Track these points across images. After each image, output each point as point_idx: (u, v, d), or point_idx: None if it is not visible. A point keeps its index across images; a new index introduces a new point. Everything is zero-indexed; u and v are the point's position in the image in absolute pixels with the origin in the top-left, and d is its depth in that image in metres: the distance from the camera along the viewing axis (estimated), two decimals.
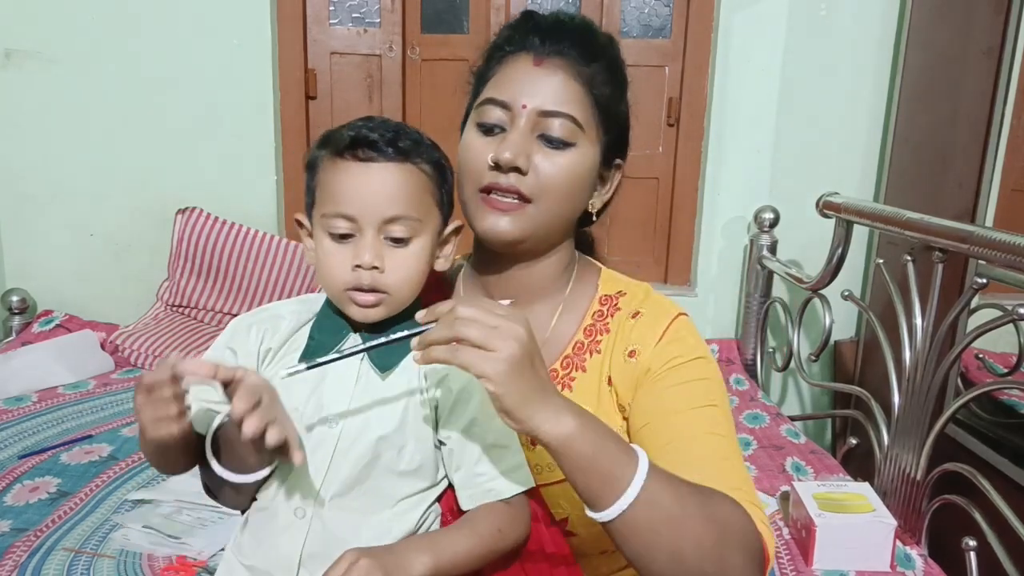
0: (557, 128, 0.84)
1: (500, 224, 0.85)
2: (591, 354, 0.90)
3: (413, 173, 0.79)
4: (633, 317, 0.89)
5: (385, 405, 0.80)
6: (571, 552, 0.87)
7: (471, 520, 0.80)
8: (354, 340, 0.82)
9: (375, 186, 0.78)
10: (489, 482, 0.80)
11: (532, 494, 0.84)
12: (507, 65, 0.87)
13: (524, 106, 0.84)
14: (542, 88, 0.84)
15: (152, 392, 0.70)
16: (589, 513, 0.71)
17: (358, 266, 0.77)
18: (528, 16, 0.90)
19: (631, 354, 0.87)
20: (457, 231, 0.86)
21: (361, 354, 0.79)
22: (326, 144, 0.81)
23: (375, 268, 0.77)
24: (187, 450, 0.79)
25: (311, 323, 0.85)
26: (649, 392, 0.86)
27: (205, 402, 0.79)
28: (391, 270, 0.79)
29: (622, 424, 0.89)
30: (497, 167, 0.83)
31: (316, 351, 0.81)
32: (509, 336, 0.67)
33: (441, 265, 0.86)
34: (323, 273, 0.81)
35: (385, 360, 0.81)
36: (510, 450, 0.82)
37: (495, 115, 0.85)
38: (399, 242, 0.79)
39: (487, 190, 0.85)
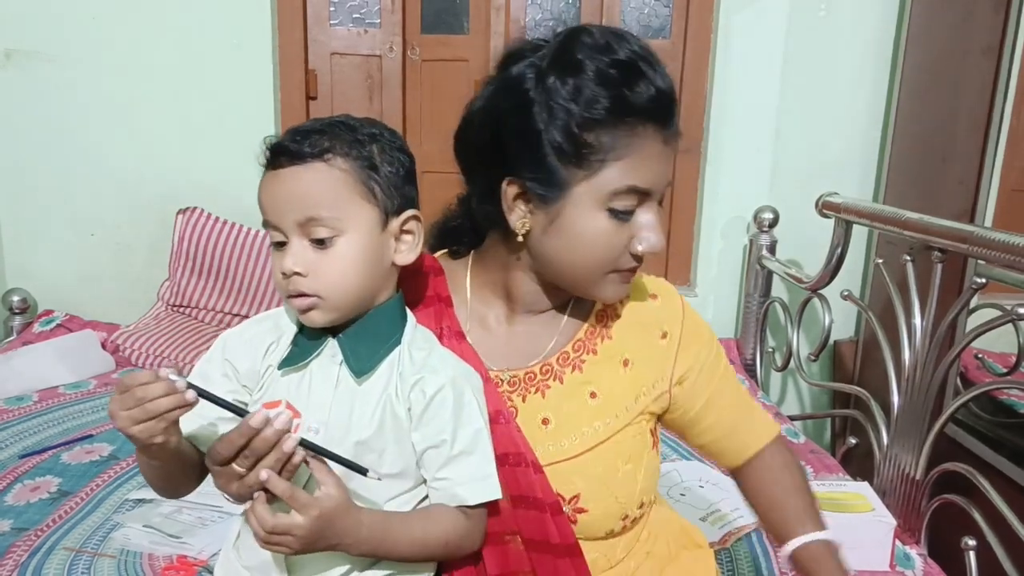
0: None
1: (624, 290, 0.90)
2: (603, 339, 0.94)
3: (324, 172, 0.77)
4: (651, 298, 0.97)
5: (363, 410, 0.80)
6: (576, 542, 0.88)
7: (425, 520, 0.80)
8: (332, 345, 0.82)
9: (284, 191, 0.77)
10: (454, 487, 0.80)
11: (494, 510, 0.84)
12: (639, 140, 0.80)
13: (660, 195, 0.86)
14: (668, 172, 0.85)
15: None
16: None
17: (284, 273, 0.78)
18: (637, 71, 0.79)
19: (664, 336, 0.95)
20: (415, 219, 0.83)
21: (340, 360, 0.81)
22: None
23: (297, 274, 0.77)
24: (185, 470, 0.82)
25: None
26: (706, 382, 0.97)
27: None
28: (317, 274, 0.77)
29: (634, 402, 0.93)
30: (636, 257, 0.86)
31: (296, 358, 0.81)
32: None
33: (403, 259, 0.83)
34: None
35: (361, 365, 0.80)
36: (476, 457, 0.81)
37: (631, 204, 0.83)
38: (321, 244, 0.77)
39: (621, 270, 0.87)
